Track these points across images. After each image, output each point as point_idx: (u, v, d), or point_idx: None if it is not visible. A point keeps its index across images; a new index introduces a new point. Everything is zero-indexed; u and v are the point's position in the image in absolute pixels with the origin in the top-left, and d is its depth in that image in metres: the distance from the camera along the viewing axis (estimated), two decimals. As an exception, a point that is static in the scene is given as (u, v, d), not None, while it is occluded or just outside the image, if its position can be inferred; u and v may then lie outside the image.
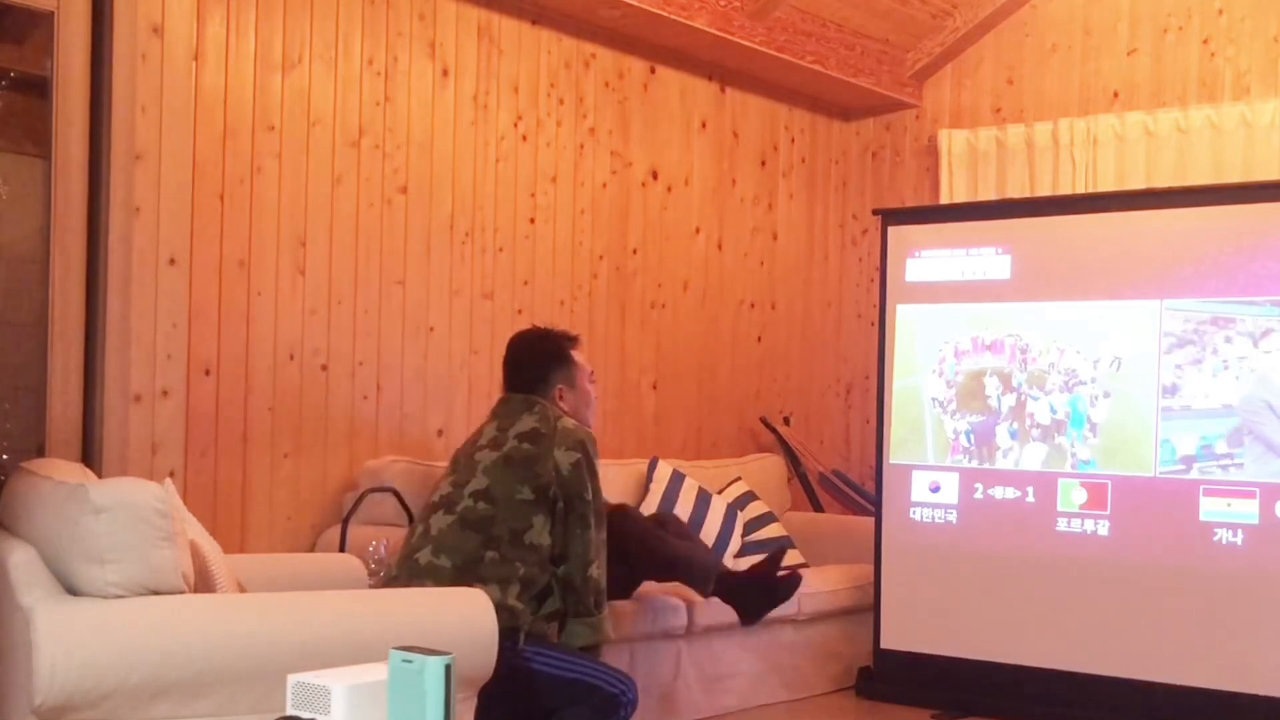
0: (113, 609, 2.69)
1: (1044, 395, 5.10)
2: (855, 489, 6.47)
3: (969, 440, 5.25)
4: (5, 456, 3.66)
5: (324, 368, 4.76)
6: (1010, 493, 5.17)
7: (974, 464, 5.22)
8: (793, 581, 4.43)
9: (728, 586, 4.38)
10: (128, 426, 3.85)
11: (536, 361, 3.88)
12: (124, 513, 2.72)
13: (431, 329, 5.06)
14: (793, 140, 6.69)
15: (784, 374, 6.70)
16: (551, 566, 3.62)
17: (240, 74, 4.51)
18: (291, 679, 2.37)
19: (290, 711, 2.35)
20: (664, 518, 4.62)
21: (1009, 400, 5.17)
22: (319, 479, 4.76)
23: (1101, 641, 4.92)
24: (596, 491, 3.71)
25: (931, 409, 5.33)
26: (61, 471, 3.17)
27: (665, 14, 5.41)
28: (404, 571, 3.59)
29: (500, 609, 3.24)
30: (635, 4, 5.30)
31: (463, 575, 3.50)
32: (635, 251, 5.89)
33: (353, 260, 4.84)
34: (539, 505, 3.60)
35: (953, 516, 5.27)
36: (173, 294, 3.98)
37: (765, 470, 6.09)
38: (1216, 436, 4.76)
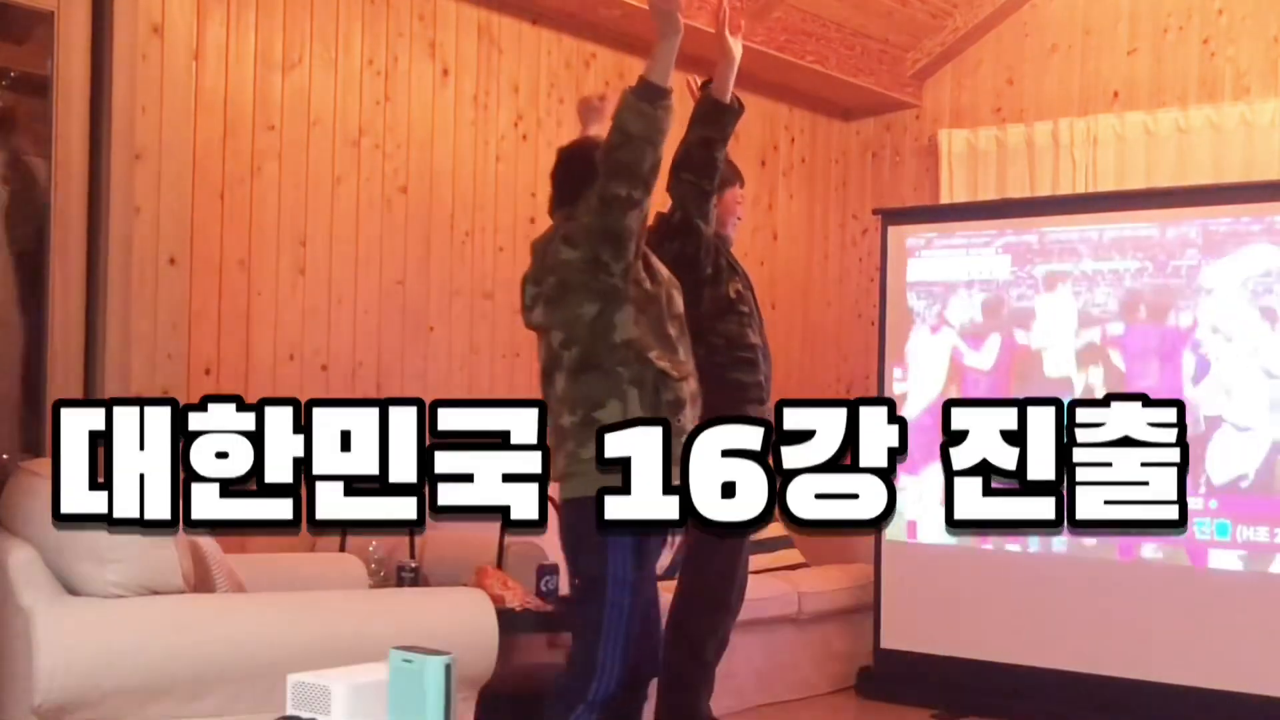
0: (113, 609, 2.70)
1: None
2: (855, 489, 6.46)
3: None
4: (5, 456, 3.66)
5: (324, 368, 4.76)
6: (1010, 493, 5.17)
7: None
8: None
9: None
10: (128, 426, 3.84)
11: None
12: (124, 513, 2.72)
13: (431, 329, 5.06)
14: (793, 140, 6.69)
15: (784, 374, 6.67)
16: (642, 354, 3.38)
17: (240, 74, 4.51)
18: (291, 679, 2.37)
19: (290, 711, 2.35)
20: None
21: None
22: (319, 479, 4.75)
23: (1102, 641, 4.91)
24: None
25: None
26: (61, 471, 3.17)
27: (665, 14, 5.40)
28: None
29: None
30: (635, 4, 5.29)
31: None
32: (635, 251, 5.87)
33: (353, 260, 4.83)
34: (606, 301, 3.37)
35: (953, 516, 5.27)
36: (173, 294, 3.98)
37: (765, 470, 6.08)
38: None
